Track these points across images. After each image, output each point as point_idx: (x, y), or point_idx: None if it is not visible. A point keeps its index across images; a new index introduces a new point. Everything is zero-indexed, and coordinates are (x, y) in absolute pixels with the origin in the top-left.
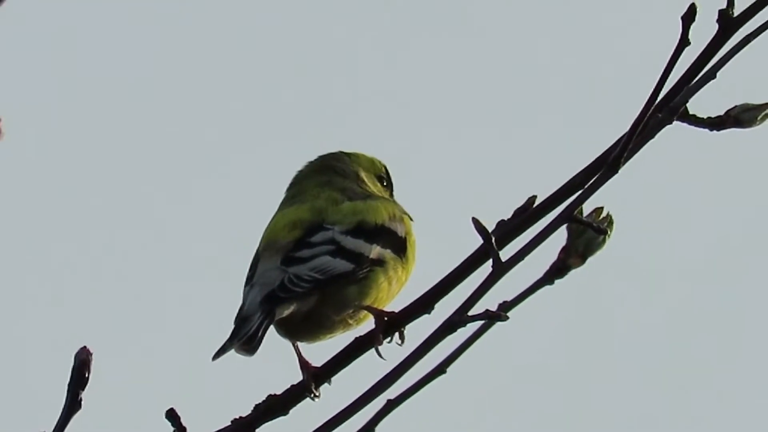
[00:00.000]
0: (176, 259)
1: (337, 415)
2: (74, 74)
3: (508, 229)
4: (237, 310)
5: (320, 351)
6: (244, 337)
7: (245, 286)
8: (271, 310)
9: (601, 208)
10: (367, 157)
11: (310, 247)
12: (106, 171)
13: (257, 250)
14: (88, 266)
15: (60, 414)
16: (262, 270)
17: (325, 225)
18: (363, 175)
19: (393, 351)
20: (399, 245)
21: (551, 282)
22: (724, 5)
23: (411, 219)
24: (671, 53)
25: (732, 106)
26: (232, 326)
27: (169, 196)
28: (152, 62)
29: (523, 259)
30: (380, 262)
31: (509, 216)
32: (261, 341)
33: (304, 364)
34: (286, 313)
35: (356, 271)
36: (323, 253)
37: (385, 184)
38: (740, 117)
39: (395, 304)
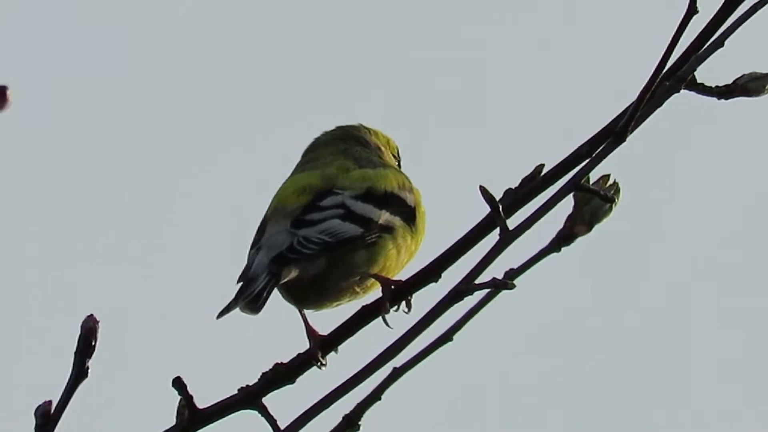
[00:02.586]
0: (180, 233)
1: (343, 383)
2: (75, 71)
3: (516, 198)
4: (242, 272)
5: (327, 319)
6: (250, 297)
7: (251, 249)
8: (278, 271)
9: (608, 176)
10: (384, 135)
11: (320, 211)
12: (114, 140)
13: (265, 215)
14: (95, 235)
15: (66, 382)
16: (270, 233)
17: (335, 190)
18: (382, 148)
19: (400, 319)
20: (408, 214)
21: (558, 250)
22: None
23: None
24: (679, 21)
25: (740, 74)
26: (238, 286)
27: (174, 163)
28: (158, 50)
29: (530, 227)
30: (389, 229)
31: (516, 184)
32: (266, 301)
33: (311, 332)
34: (293, 275)
35: (365, 236)
36: (333, 216)
37: (397, 164)
38: (748, 86)
39: (403, 273)
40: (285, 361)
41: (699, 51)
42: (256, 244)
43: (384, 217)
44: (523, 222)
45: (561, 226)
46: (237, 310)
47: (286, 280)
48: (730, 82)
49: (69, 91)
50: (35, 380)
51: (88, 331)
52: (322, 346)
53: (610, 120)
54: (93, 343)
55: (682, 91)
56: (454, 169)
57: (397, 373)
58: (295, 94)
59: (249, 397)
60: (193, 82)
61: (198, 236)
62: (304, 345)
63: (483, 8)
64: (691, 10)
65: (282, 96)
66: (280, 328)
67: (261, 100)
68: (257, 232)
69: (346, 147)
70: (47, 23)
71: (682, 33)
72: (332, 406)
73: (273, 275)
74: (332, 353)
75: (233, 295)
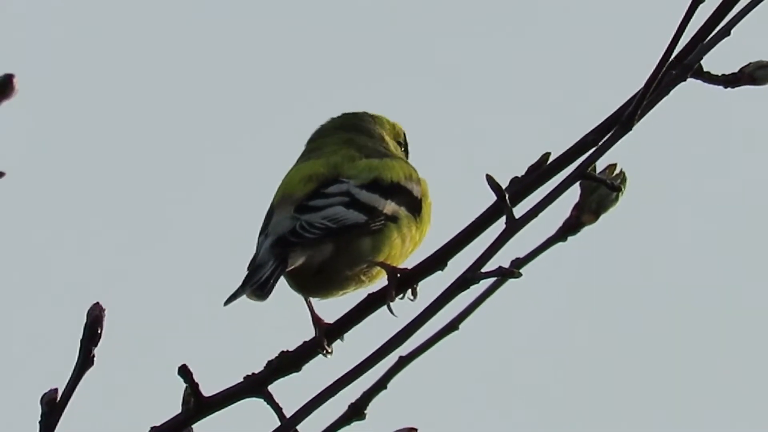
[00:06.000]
0: (187, 221)
1: (349, 371)
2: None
3: (522, 186)
4: (250, 260)
5: (333, 307)
6: (257, 284)
7: (259, 236)
8: (284, 258)
9: (615, 164)
10: (389, 121)
11: (325, 198)
12: (119, 130)
13: (272, 203)
14: (101, 223)
15: (72, 371)
16: (276, 220)
17: (341, 179)
18: (386, 137)
19: (405, 307)
20: (414, 205)
21: (564, 239)
22: None
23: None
24: (685, 10)
25: (746, 63)
26: (246, 273)
27: (178, 152)
28: (158, 40)
29: (536, 216)
30: (394, 218)
31: (523, 173)
32: (273, 287)
33: (316, 320)
34: (299, 262)
35: (369, 224)
36: (337, 203)
37: (403, 149)
38: (754, 74)
39: (409, 262)
40: (291, 349)
41: (705, 39)
42: (264, 231)
43: (389, 207)
44: (529, 211)
45: (567, 215)
46: (244, 297)
47: (292, 267)
48: (736, 70)
49: (70, 81)
50: (41, 368)
51: (94, 319)
52: (327, 334)
53: (617, 108)
54: (99, 331)
55: (688, 79)
56: (461, 157)
57: (403, 362)
58: (300, 82)
59: (254, 385)
60: (194, 75)
61: (204, 224)
62: (309, 333)
63: None
64: None
65: (286, 83)
66: (286, 316)
67: (263, 90)
68: (265, 220)
69: (351, 137)
70: (48, 17)
71: (688, 21)
72: (338, 394)
73: (280, 262)
74: (338, 341)
75: (240, 282)
